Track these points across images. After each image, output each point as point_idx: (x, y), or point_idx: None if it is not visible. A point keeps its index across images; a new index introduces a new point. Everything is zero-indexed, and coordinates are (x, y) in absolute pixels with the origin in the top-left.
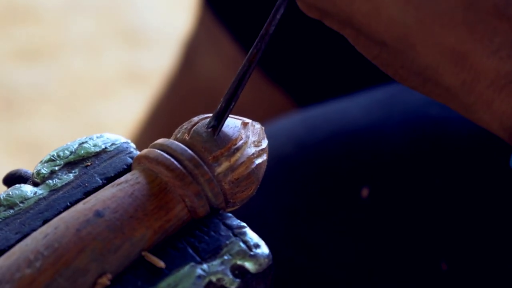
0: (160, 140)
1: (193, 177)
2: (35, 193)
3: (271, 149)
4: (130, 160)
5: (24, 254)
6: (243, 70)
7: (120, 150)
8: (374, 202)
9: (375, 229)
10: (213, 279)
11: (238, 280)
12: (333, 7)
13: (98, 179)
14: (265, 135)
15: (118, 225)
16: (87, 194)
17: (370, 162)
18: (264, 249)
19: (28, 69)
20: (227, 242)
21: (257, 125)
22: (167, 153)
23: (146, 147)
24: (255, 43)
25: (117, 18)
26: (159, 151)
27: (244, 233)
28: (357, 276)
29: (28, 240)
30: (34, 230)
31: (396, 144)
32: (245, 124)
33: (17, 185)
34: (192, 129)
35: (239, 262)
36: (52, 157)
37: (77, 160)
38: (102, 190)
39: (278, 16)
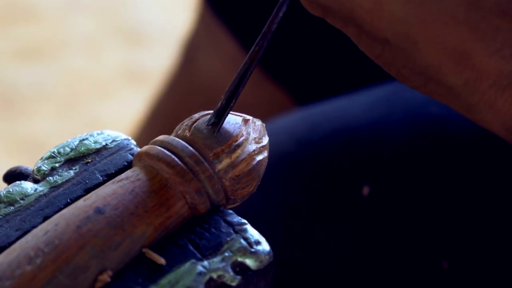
0: (161, 137)
1: (194, 173)
2: (36, 190)
3: (272, 147)
4: (130, 157)
5: (24, 251)
6: (244, 68)
7: (120, 147)
8: (374, 200)
9: (375, 227)
10: (214, 276)
11: (239, 277)
12: (336, 4)
13: (99, 176)
14: (266, 132)
15: (119, 222)
16: (88, 191)
17: (370, 160)
18: (265, 246)
19: (28, 68)
20: (228, 239)
21: (258, 122)
22: (168, 150)
23: (147, 145)
24: (257, 41)
25: (117, 17)
26: (159, 147)
27: (245, 230)
28: (357, 274)
29: (28, 237)
30: (34, 227)
31: (397, 142)
32: (246, 121)
33: (17, 182)
34: (193, 126)
35: (240, 259)
36: (52, 154)
37: (78, 157)
38: (102, 187)
39: (280, 14)
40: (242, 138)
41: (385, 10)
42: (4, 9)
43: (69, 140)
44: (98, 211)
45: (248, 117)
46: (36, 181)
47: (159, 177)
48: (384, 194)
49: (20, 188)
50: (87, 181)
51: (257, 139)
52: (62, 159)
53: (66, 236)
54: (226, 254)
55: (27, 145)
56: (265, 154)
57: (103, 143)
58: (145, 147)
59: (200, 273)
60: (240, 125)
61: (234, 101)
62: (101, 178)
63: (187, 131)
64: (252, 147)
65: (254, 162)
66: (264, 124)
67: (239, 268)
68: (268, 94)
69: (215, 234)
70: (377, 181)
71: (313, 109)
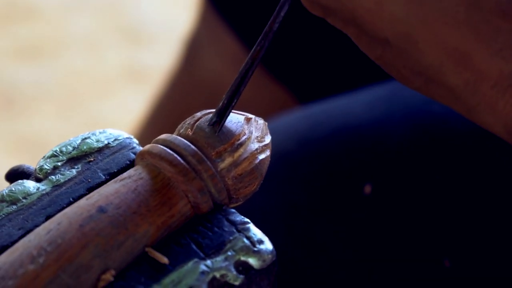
0: (163, 136)
1: (196, 172)
2: (38, 188)
3: (273, 146)
4: (133, 155)
5: (27, 250)
6: (246, 67)
7: (123, 146)
8: (375, 200)
9: (376, 226)
10: (217, 275)
11: (241, 276)
12: (336, 4)
13: (101, 175)
14: (268, 131)
15: (121, 221)
16: (90, 189)
17: (372, 159)
18: (267, 245)
19: (29, 68)
20: (231, 238)
21: (260, 121)
22: (170, 149)
23: (149, 143)
24: (258, 40)
25: (118, 15)
26: (162, 146)
27: (248, 229)
28: (357, 274)
29: (31, 236)
30: (37, 226)
31: (398, 141)
32: (248, 120)
33: (19, 181)
34: (195, 125)
35: (242, 258)
36: (54, 153)
37: (80, 156)
38: (105, 185)
39: (282, 14)
40: (245, 137)
41: (385, 10)
42: (4, 8)
43: (71, 139)
44: (101, 210)
45: (250, 115)
46: (38, 180)
47: (161, 176)
48: (384, 193)
49: (22, 187)
50: (89, 180)
51: (259, 138)
52: (65, 158)
53: (68, 235)
54: (229, 253)
55: (28, 144)
56: (268, 153)
57: (106, 142)
58: (147, 146)
59: (203, 272)
60: (243, 124)
61: (235, 100)
62: (104, 177)
63: (189, 130)
64: (254, 145)
65: (257, 161)
66: (266, 123)
67: (242, 267)
68: (269, 93)
69: (218, 233)
70: (377, 180)
71: (314, 108)
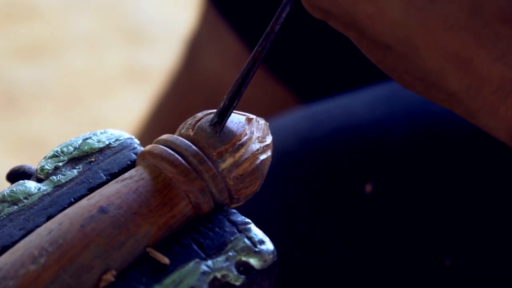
0: (164, 136)
1: (198, 173)
2: (39, 189)
3: (275, 145)
4: (134, 156)
5: (28, 250)
6: (247, 68)
7: (124, 146)
8: (375, 199)
9: (376, 226)
10: (218, 275)
11: (243, 277)
12: (337, 8)
13: (102, 175)
14: (269, 131)
15: (123, 221)
16: (91, 190)
17: (373, 158)
18: (269, 245)
19: (30, 67)
20: (232, 238)
21: (262, 121)
22: (171, 149)
23: (150, 144)
24: (260, 41)
25: (119, 15)
26: (163, 146)
27: (249, 229)
28: (357, 274)
29: (32, 236)
30: (38, 226)
31: (399, 140)
32: (249, 120)
33: (20, 181)
34: (197, 125)
35: (244, 259)
36: (56, 153)
37: (81, 156)
38: (106, 186)
39: (284, 15)
40: (246, 137)
41: (386, 15)
42: (5, 8)
43: (73, 139)
44: (102, 210)
45: (251, 116)
46: (39, 180)
47: (162, 176)
48: (385, 193)
49: (23, 187)
50: (90, 180)
51: (260, 138)
52: (66, 158)
53: (70, 235)
54: (230, 253)
55: (28, 144)
56: (269, 153)
57: (107, 142)
58: (148, 146)
59: (204, 273)
60: (244, 124)
61: (237, 101)
62: (105, 177)
63: (190, 130)
64: (255, 146)
65: (258, 161)
66: (267, 123)
67: (243, 267)
68: (270, 92)
69: (219, 233)
70: (378, 180)
71: (316, 107)
